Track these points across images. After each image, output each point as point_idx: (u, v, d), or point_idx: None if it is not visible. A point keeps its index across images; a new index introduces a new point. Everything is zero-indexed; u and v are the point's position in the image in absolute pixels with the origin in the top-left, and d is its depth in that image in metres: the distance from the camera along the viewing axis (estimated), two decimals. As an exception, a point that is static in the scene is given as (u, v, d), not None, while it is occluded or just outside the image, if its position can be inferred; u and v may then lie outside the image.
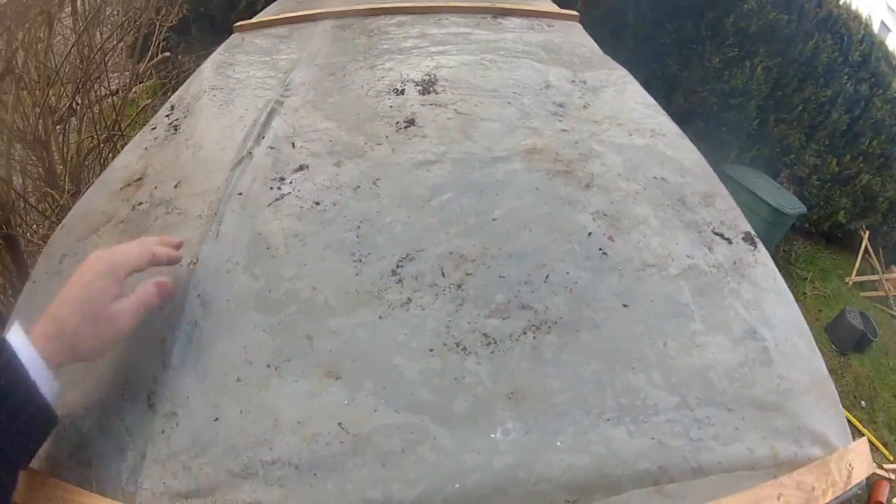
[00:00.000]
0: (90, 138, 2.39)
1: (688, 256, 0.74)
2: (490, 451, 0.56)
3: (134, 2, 2.68)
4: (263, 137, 0.91)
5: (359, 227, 0.76)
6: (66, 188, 2.08)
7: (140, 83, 2.87)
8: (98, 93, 2.51)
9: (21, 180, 2.12)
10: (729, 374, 0.63)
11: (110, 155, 2.33)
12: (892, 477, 3.19)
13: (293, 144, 0.89)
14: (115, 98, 2.64)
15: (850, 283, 5.27)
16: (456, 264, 0.71)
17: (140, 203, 0.84)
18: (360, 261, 0.72)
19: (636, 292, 0.69)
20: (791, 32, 4.58)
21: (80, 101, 2.33)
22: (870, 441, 3.44)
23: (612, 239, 0.75)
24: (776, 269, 0.77)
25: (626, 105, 1.04)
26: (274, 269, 0.71)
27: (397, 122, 0.94)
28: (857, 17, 5.00)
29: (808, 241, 5.63)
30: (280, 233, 0.75)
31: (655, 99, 1.08)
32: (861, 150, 5.20)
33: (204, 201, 0.80)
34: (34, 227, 2.09)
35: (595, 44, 1.33)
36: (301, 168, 0.85)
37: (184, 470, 0.57)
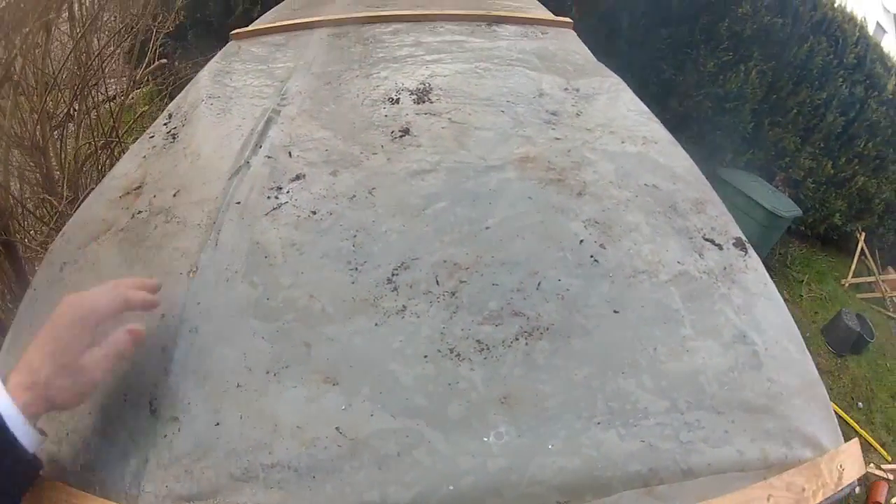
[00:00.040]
0: (88, 144, 2.40)
1: (678, 263, 0.75)
2: (483, 454, 0.58)
3: (131, 8, 2.70)
4: (260, 147, 0.92)
5: (355, 236, 0.77)
6: (64, 194, 2.08)
7: (137, 89, 2.88)
8: (95, 99, 2.52)
9: (19, 186, 2.12)
10: (719, 378, 0.64)
11: (108, 161, 2.33)
12: (891, 477, 3.20)
13: (290, 154, 0.91)
14: (112, 104, 2.65)
15: (847, 285, 5.29)
16: (450, 272, 0.72)
17: (139, 211, 0.85)
18: (356, 269, 0.73)
19: (627, 299, 0.70)
20: (785, 36, 4.60)
21: (77, 107, 2.34)
22: (868, 442, 3.46)
23: (603, 246, 0.76)
24: (767, 273, 0.78)
25: (619, 112, 1.05)
26: (272, 278, 0.72)
27: (392, 132, 0.95)
28: (851, 19, 5.03)
29: (804, 244, 5.65)
30: (278, 242, 0.76)
31: (650, 104, 1.09)
32: (856, 153, 5.22)
33: (202, 210, 0.81)
34: (32, 233, 2.09)
35: (588, 51, 1.35)
36: (298, 177, 0.86)
37: (186, 474, 0.58)
